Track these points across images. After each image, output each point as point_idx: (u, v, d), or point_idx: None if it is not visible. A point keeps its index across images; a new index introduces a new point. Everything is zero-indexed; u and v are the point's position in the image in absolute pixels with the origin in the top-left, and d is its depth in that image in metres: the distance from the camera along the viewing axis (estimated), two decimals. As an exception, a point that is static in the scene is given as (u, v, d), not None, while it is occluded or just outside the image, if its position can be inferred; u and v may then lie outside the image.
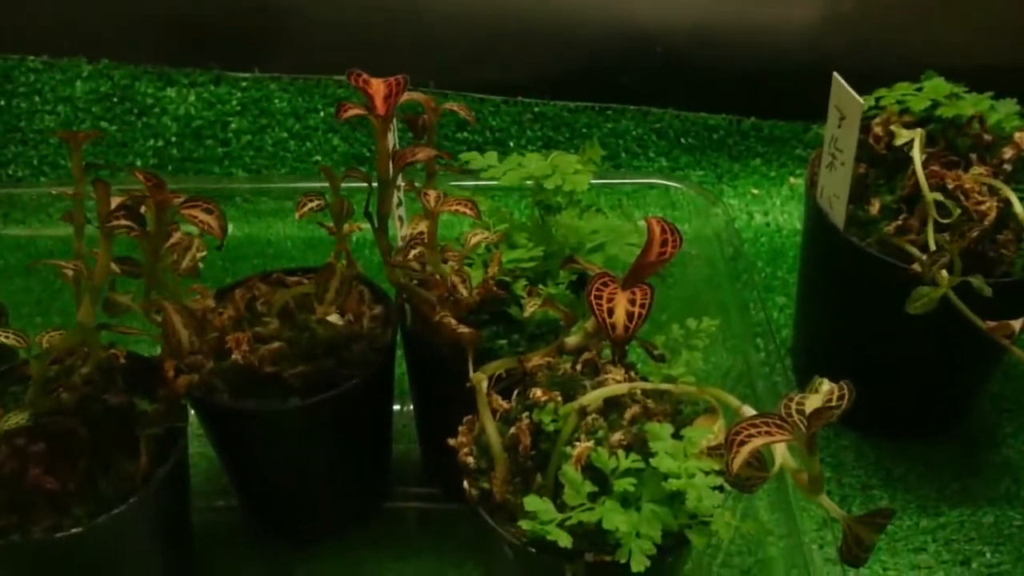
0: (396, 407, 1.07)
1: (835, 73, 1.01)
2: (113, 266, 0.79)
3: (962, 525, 1.06)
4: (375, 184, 0.87)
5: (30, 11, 1.52)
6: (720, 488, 0.73)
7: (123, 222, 0.74)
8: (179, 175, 1.51)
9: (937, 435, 1.16)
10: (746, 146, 1.59)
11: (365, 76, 0.83)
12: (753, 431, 0.65)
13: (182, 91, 1.54)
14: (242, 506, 1.04)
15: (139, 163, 1.52)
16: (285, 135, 1.54)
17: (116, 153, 1.52)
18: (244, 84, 1.55)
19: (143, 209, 0.76)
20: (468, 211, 0.83)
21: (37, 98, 1.53)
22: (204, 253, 0.88)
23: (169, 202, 0.75)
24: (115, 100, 1.53)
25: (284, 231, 1.47)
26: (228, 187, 1.47)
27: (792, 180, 1.59)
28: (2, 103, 1.52)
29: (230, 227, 1.42)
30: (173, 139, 1.53)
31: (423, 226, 0.89)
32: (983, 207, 1.00)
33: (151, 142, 1.53)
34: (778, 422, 0.66)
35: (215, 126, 1.54)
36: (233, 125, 1.54)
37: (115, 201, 0.76)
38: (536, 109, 1.56)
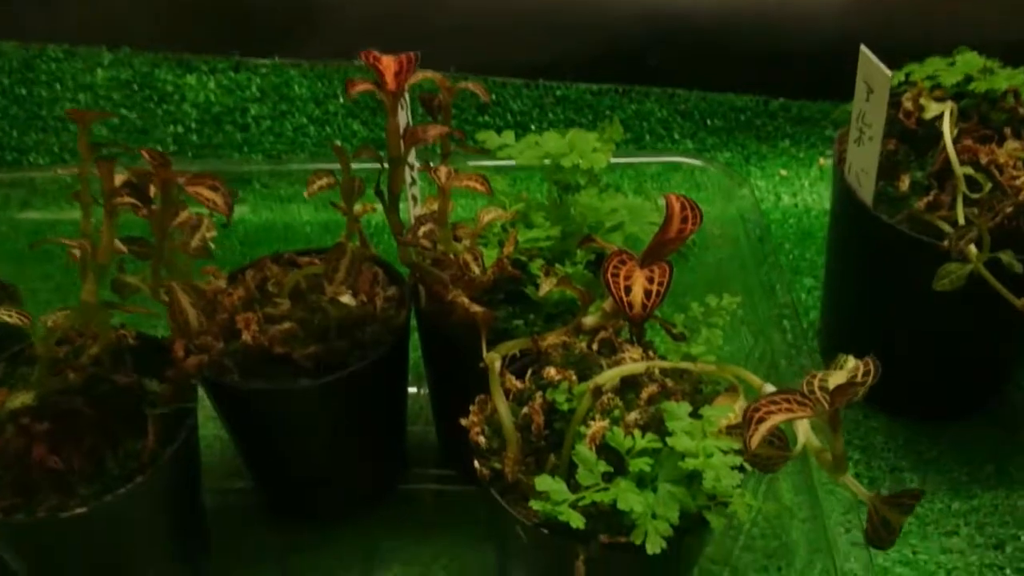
0: (413, 389, 1.06)
1: (862, 45, 0.98)
2: (121, 245, 0.78)
3: (996, 508, 1.03)
4: (387, 164, 0.85)
5: (51, 1, 1.53)
6: (741, 468, 0.70)
7: (127, 199, 0.73)
8: (198, 161, 1.51)
9: (970, 416, 1.13)
10: (774, 127, 1.56)
11: (376, 54, 0.82)
12: (773, 408, 0.63)
13: (202, 78, 1.53)
14: (256, 487, 1.03)
15: (159, 149, 1.51)
16: (305, 120, 1.54)
17: (136, 140, 1.52)
18: (263, 70, 1.54)
19: (151, 189, 0.75)
20: (479, 186, 0.82)
21: (58, 86, 1.53)
22: (214, 233, 0.87)
23: (174, 180, 0.74)
24: (135, 87, 1.53)
25: (302, 215, 1.46)
26: (246, 170, 1.47)
27: (822, 161, 1.55)
28: (24, 92, 1.52)
29: (248, 211, 1.44)
30: (193, 126, 1.53)
31: (435, 204, 0.87)
32: (1018, 182, 0.97)
33: (171, 128, 1.53)
34: (799, 399, 0.64)
35: (234, 112, 1.53)
36: (253, 111, 1.53)
37: (120, 179, 0.75)
38: (558, 92, 1.54)
